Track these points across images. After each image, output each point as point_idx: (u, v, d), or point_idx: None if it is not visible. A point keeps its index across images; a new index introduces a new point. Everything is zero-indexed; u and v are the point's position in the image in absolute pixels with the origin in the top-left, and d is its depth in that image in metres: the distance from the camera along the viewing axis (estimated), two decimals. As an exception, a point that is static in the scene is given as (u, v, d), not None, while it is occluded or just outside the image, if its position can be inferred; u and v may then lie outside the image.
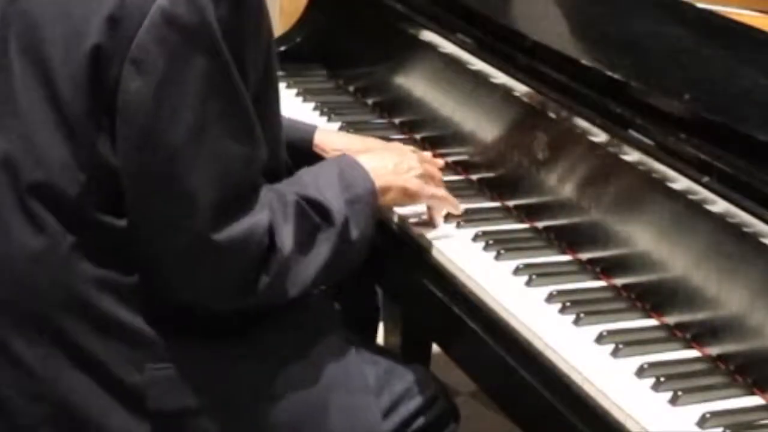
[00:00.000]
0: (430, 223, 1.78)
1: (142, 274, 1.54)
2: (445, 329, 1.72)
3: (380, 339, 2.44)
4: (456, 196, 1.81)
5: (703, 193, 1.52)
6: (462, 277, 1.67)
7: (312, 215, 1.59)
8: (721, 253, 1.49)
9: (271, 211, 1.54)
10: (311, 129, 1.95)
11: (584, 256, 1.70)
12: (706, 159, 1.53)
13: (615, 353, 1.48)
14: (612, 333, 1.52)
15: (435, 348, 2.41)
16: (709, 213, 1.51)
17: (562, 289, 1.62)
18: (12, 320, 1.56)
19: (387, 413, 1.70)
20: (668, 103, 1.63)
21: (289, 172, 1.69)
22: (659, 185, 1.59)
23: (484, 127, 1.95)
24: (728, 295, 1.48)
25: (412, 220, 1.80)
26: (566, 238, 1.74)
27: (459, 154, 1.99)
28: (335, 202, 1.61)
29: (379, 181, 1.69)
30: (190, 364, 1.56)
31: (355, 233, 1.62)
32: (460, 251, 1.72)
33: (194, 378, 1.56)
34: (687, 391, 1.41)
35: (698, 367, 1.48)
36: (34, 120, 1.51)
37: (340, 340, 1.70)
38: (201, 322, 1.57)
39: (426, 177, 1.77)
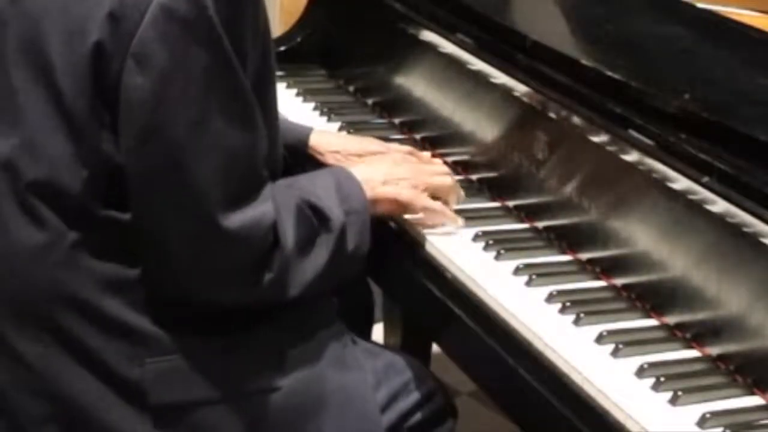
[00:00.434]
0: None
1: (144, 270, 1.54)
2: (445, 329, 1.72)
3: (380, 339, 2.44)
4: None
5: (703, 193, 1.52)
6: (462, 277, 1.67)
7: (312, 218, 1.60)
8: (721, 253, 1.49)
9: (275, 206, 1.55)
10: (307, 131, 1.95)
11: (584, 256, 1.70)
12: (706, 159, 1.52)
13: (615, 353, 1.48)
14: (612, 333, 1.52)
15: (435, 348, 2.41)
16: (709, 213, 1.51)
17: (562, 289, 1.62)
18: (12, 316, 1.56)
19: (385, 408, 1.71)
20: (668, 103, 1.63)
21: (287, 172, 1.69)
22: (659, 185, 1.59)
23: (484, 127, 1.95)
24: (728, 295, 1.48)
25: (411, 219, 1.79)
26: (566, 238, 1.74)
27: (459, 154, 1.99)
28: (334, 210, 1.62)
29: (369, 193, 1.69)
30: (190, 357, 1.56)
31: (351, 245, 1.63)
32: (460, 251, 1.72)
33: (194, 371, 1.56)
34: (687, 391, 1.41)
35: (698, 367, 1.48)
36: (35, 118, 1.52)
37: (338, 335, 1.70)
38: (201, 317, 1.57)
39: (420, 187, 1.75)
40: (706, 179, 1.52)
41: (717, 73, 1.81)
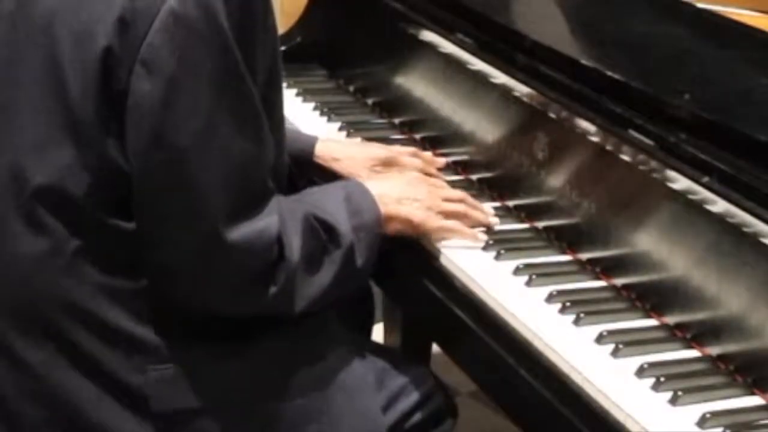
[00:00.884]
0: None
1: (146, 279, 1.53)
2: (445, 329, 1.72)
3: (380, 339, 2.44)
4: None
5: (703, 193, 1.52)
6: (462, 277, 1.67)
7: (320, 232, 1.58)
8: (721, 253, 1.49)
9: (280, 219, 1.53)
10: (312, 140, 1.94)
11: (584, 256, 1.70)
12: (706, 159, 1.53)
13: (615, 353, 1.48)
14: (612, 333, 1.52)
15: (435, 348, 2.41)
16: (709, 213, 1.51)
17: (562, 289, 1.62)
18: (14, 322, 1.55)
19: (385, 408, 1.71)
20: (668, 103, 1.63)
21: (292, 182, 1.68)
22: (659, 185, 1.59)
23: (484, 127, 1.95)
24: (728, 295, 1.48)
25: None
26: (566, 238, 1.74)
27: (459, 154, 1.99)
28: (343, 225, 1.60)
29: (383, 209, 1.67)
30: (192, 364, 1.56)
31: (360, 260, 1.62)
32: (460, 251, 1.72)
33: (196, 378, 1.56)
34: (687, 391, 1.41)
35: (698, 367, 1.48)
36: (42, 122, 1.50)
37: (338, 337, 1.70)
38: (202, 324, 1.57)
39: (434, 210, 1.73)
40: (706, 179, 1.52)
41: (717, 73, 1.81)
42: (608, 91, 1.71)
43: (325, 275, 1.59)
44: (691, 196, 1.54)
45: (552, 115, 1.79)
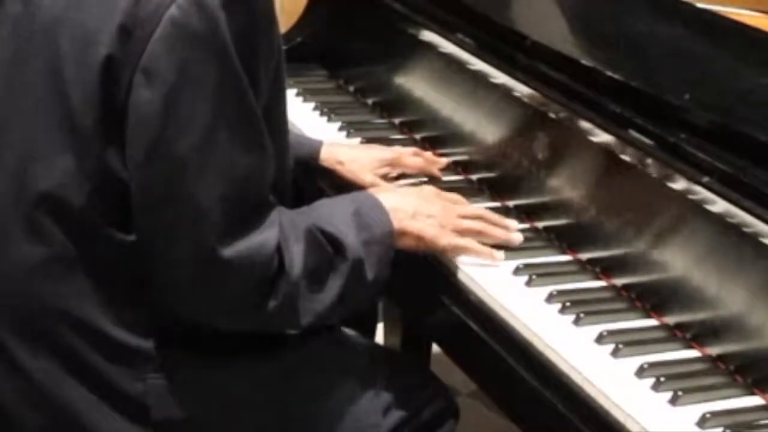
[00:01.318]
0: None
1: (144, 292, 1.52)
2: (445, 329, 1.72)
3: (380, 339, 2.44)
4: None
5: (703, 193, 1.52)
6: (462, 277, 1.67)
7: (325, 245, 1.55)
8: (721, 253, 1.49)
9: (281, 231, 1.51)
10: (317, 144, 1.93)
11: (584, 256, 1.70)
12: (706, 159, 1.53)
13: (615, 353, 1.48)
14: (612, 333, 1.52)
15: (435, 348, 2.41)
16: (709, 213, 1.51)
17: (562, 289, 1.62)
18: (13, 329, 1.55)
19: (387, 410, 1.70)
20: (668, 103, 1.63)
21: (297, 188, 1.67)
22: (659, 185, 1.59)
23: (484, 127, 1.95)
24: (728, 295, 1.48)
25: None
26: (566, 238, 1.74)
27: (459, 154, 1.99)
28: (350, 239, 1.57)
29: (396, 224, 1.63)
30: (191, 373, 1.55)
31: (370, 275, 1.58)
32: (460, 251, 1.72)
33: (195, 387, 1.55)
34: (687, 391, 1.41)
35: (698, 367, 1.48)
36: (43, 129, 1.49)
37: (339, 339, 1.70)
38: (201, 334, 1.55)
39: (448, 228, 1.68)
40: (706, 179, 1.52)
41: (717, 73, 1.81)
42: (608, 91, 1.71)
43: (331, 289, 1.56)
44: (691, 196, 1.54)
45: (552, 115, 1.79)
